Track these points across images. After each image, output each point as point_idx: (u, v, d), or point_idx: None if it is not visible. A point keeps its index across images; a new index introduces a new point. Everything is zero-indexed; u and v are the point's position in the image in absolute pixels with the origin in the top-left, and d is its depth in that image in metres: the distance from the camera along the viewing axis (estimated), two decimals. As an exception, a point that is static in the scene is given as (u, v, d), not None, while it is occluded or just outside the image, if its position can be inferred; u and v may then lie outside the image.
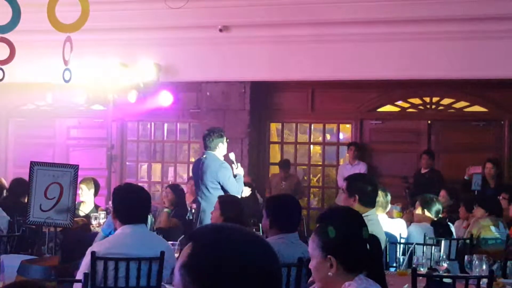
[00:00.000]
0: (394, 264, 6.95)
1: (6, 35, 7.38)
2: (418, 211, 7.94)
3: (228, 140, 8.88)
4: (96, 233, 7.88)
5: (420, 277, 5.16)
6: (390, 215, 8.00)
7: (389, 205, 7.69)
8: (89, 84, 11.93)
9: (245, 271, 1.78)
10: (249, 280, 1.78)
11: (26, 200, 9.21)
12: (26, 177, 7.47)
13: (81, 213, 9.20)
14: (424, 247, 6.99)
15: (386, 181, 11.06)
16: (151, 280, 5.15)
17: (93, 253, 5.02)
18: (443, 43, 11.39)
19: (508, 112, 12.21)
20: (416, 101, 12.78)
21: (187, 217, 9.59)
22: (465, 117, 12.52)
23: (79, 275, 4.95)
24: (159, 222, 9.27)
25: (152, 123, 14.13)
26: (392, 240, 7.17)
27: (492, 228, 7.94)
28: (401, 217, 8.69)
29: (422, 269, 5.50)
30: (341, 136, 13.60)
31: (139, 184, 11.33)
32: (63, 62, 7.52)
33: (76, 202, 8.10)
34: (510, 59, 11.10)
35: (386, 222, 7.16)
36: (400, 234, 7.53)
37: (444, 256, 5.95)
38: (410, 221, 8.41)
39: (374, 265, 3.36)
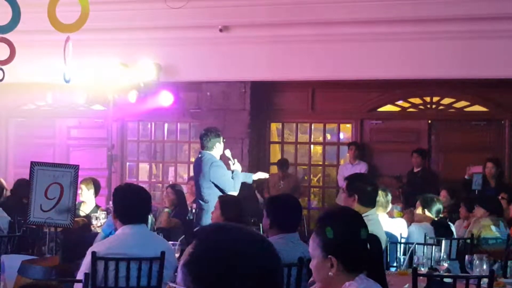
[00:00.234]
0: (395, 264, 6.96)
1: (6, 35, 7.38)
2: (419, 211, 7.95)
3: (225, 140, 8.89)
4: (96, 233, 7.89)
5: (421, 277, 5.16)
6: (390, 214, 8.00)
7: (390, 205, 7.70)
8: (90, 84, 11.93)
9: (246, 270, 1.79)
10: (250, 280, 1.79)
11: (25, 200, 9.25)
12: (27, 177, 7.47)
13: (82, 213, 9.21)
14: (425, 247, 6.98)
15: (385, 181, 11.08)
16: (151, 280, 5.15)
17: (93, 253, 5.01)
18: (444, 42, 11.38)
19: (508, 112, 12.21)
20: (417, 100, 12.77)
21: (187, 217, 9.60)
22: (466, 116, 12.52)
23: (80, 275, 4.95)
24: (160, 222, 9.27)
25: (153, 123, 14.12)
26: (393, 240, 7.17)
27: (493, 227, 7.95)
28: (402, 217, 8.69)
29: (422, 269, 5.50)
30: (341, 136, 13.59)
31: (140, 184, 11.35)
32: (64, 62, 7.52)
33: (77, 202, 8.10)
34: (510, 59, 11.09)
35: (387, 222, 7.16)
36: (400, 234, 7.53)
37: (444, 256, 5.94)
38: (410, 221, 8.42)
39: (374, 265, 3.36)
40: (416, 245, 6.71)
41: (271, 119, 13.42)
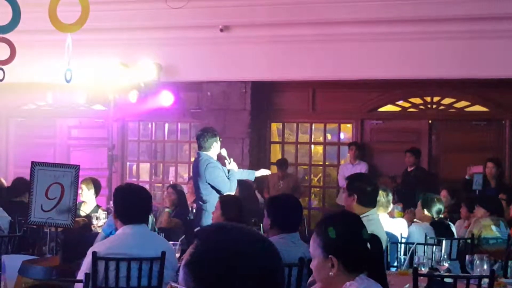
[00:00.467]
0: (395, 264, 6.96)
1: (6, 35, 7.38)
2: (420, 210, 7.96)
3: (221, 139, 8.88)
4: (97, 233, 7.89)
5: (421, 277, 5.16)
6: (391, 215, 8.00)
7: (391, 205, 7.69)
8: (90, 84, 11.94)
9: (247, 270, 1.79)
10: (251, 280, 1.79)
11: (26, 200, 9.26)
12: (27, 177, 7.47)
13: (82, 213, 9.20)
14: (425, 246, 6.98)
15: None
16: (152, 280, 5.15)
17: (94, 253, 5.01)
18: (444, 42, 11.38)
19: (509, 112, 12.20)
20: (417, 100, 12.77)
21: (188, 217, 9.60)
22: (466, 116, 12.51)
23: (80, 275, 4.95)
24: (160, 222, 9.27)
25: (153, 123, 14.13)
26: (393, 240, 7.17)
27: (493, 227, 7.94)
28: (402, 217, 8.69)
29: (423, 269, 5.49)
30: (342, 136, 13.59)
31: (140, 184, 11.35)
32: (66, 62, 7.52)
33: (77, 202, 8.10)
34: (511, 59, 11.09)
35: (387, 221, 7.16)
36: (401, 234, 7.53)
37: (445, 256, 5.94)
38: (411, 220, 8.42)
39: (375, 265, 3.36)
40: (417, 245, 6.71)
41: (271, 119, 13.42)
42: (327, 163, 13.61)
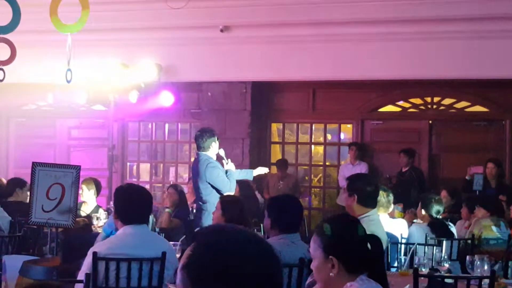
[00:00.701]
0: (396, 264, 6.96)
1: (7, 36, 7.38)
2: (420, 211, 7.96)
3: (219, 139, 8.89)
4: (97, 233, 7.89)
5: (422, 278, 5.16)
6: (391, 215, 7.99)
7: (392, 205, 7.69)
8: (90, 84, 11.93)
9: (245, 272, 1.78)
10: (249, 282, 1.78)
11: (20, 198, 9.30)
12: (27, 177, 7.47)
13: (83, 213, 9.21)
14: (426, 247, 6.98)
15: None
16: (152, 280, 5.15)
17: (94, 253, 5.02)
18: (444, 43, 11.38)
19: (509, 112, 12.21)
20: (417, 101, 12.77)
21: (188, 218, 9.61)
22: (466, 117, 12.52)
23: (81, 276, 4.95)
24: (161, 222, 9.27)
25: (153, 123, 14.13)
26: (393, 241, 7.17)
27: (494, 228, 7.94)
28: (403, 217, 8.69)
29: (423, 270, 5.49)
30: (342, 136, 13.59)
31: (140, 184, 11.34)
32: (66, 62, 7.53)
33: (78, 203, 8.09)
34: (511, 59, 11.08)
35: (387, 222, 7.16)
36: (401, 234, 7.53)
37: (445, 257, 5.95)
38: (411, 221, 8.42)
39: (375, 265, 3.36)
40: (417, 246, 6.71)
41: (271, 119, 13.42)
42: (327, 164, 13.61)
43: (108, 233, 6.89)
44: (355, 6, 11.49)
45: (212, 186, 8.49)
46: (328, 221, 3.40)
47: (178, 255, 5.56)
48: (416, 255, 6.18)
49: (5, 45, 7.46)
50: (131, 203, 5.20)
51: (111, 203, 8.82)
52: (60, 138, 14.44)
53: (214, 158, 8.69)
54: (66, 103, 13.28)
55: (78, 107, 13.61)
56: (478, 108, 12.44)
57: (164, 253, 5.15)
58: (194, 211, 9.49)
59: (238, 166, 9.12)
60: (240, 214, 6.32)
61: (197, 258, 1.81)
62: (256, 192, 11.99)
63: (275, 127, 13.67)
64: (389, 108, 12.93)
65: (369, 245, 3.34)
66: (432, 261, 5.88)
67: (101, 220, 8.87)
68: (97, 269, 5.02)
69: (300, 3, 11.71)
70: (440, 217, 8.02)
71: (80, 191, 8.91)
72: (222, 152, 8.82)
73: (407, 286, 5.24)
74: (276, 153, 13.58)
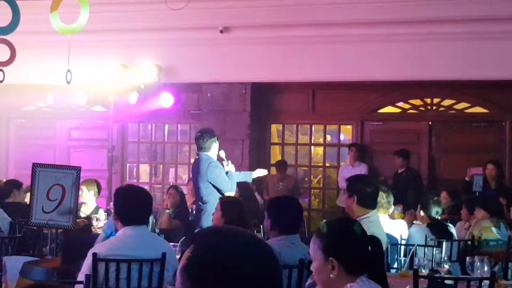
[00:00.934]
0: (395, 266, 6.95)
1: (6, 37, 7.38)
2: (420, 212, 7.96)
3: (219, 139, 8.91)
4: (97, 234, 7.88)
5: (422, 279, 5.16)
6: (391, 216, 7.99)
7: (392, 206, 7.69)
8: (90, 85, 11.93)
9: (244, 275, 1.78)
10: (248, 284, 1.78)
11: (18, 199, 9.31)
12: (27, 178, 7.47)
13: (82, 215, 9.20)
14: (426, 248, 6.98)
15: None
16: (152, 281, 5.15)
17: (94, 254, 5.02)
18: (444, 44, 11.38)
19: (509, 113, 12.21)
20: (417, 102, 12.78)
21: (189, 218, 9.61)
22: (466, 118, 12.52)
23: (81, 277, 4.95)
24: (160, 223, 9.27)
25: (153, 124, 14.13)
26: (393, 242, 7.17)
27: (494, 229, 7.94)
28: (403, 218, 8.69)
29: (423, 271, 5.49)
30: (342, 137, 13.59)
31: (140, 185, 11.33)
32: (66, 63, 7.53)
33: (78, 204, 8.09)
34: (511, 60, 11.08)
35: (387, 223, 7.16)
36: (401, 236, 7.53)
37: (445, 258, 5.95)
38: (411, 222, 8.42)
39: (375, 266, 3.36)
40: (417, 247, 6.71)
41: (271, 120, 13.42)
42: (327, 165, 13.61)
43: (108, 234, 6.88)
44: (355, 7, 11.49)
45: (213, 186, 8.50)
46: (328, 222, 3.41)
47: (178, 256, 5.56)
48: (416, 256, 6.18)
49: (5, 46, 7.45)
50: (131, 204, 5.20)
51: (111, 204, 8.83)
52: (60, 139, 14.44)
53: (215, 158, 8.71)
54: (66, 104, 13.27)
55: (78, 108, 13.60)
56: (478, 109, 12.45)
57: (164, 254, 5.15)
58: (194, 212, 9.49)
59: (238, 167, 9.14)
60: (240, 215, 6.31)
61: (196, 259, 1.81)
62: (256, 193, 11.99)
63: (274, 128, 13.67)
64: (389, 109, 12.93)
65: (369, 246, 3.34)
66: (432, 262, 5.88)
67: (101, 221, 8.87)
68: (97, 270, 5.02)
69: (300, 4, 11.71)
70: (440, 218, 8.02)
71: (80, 192, 8.91)
72: (222, 154, 8.84)
73: (407, 287, 5.24)
74: (275, 154, 13.58)
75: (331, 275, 3.24)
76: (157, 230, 8.18)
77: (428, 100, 12.70)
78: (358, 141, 12.88)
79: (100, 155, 13.55)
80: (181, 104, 13.14)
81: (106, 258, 5.03)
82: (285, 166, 12.95)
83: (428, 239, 7.39)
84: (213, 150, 8.69)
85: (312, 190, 13.82)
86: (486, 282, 5.15)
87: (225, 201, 6.64)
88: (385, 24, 11.50)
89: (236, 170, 8.96)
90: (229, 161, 8.89)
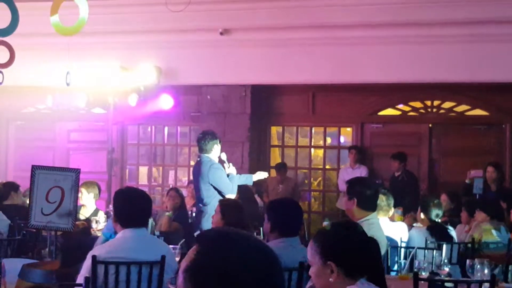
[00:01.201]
0: (395, 268, 6.94)
1: (5, 38, 7.37)
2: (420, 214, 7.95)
3: (221, 142, 8.92)
4: (96, 237, 7.88)
5: (422, 281, 5.15)
6: (391, 218, 7.98)
7: (392, 209, 7.68)
8: (90, 87, 11.93)
9: (247, 280, 1.78)
10: (251, 287, 1.78)
11: (17, 201, 9.30)
12: (26, 181, 7.46)
13: (82, 217, 9.19)
14: (426, 251, 6.97)
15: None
16: (152, 284, 5.13)
17: (93, 256, 5.00)
18: (444, 46, 11.37)
19: (509, 116, 12.20)
20: (417, 104, 12.77)
21: (190, 221, 9.60)
22: (466, 120, 12.51)
23: (80, 279, 4.94)
24: (160, 226, 9.25)
25: (153, 127, 14.12)
26: (393, 244, 7.16)
27: (494, 232, 7.93)
28: (403, 221, 8.68)
29: (423, 273, 5.48)
30: (342, 139, 13.58)
31: (139, 187, 11.33)
32: (66, 65, 7.52)
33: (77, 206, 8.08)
34: (511, 63, 11.08)
35: (387, 225, 7.15)
36: (401, 238, 7.52)
37: (445, 260, 5.94)
38: (411, 225, 8.41)
39: (374, 268, 3.35)
40: (417, 249, 6.70)
41: (271, 122, 13.41)
42: (327, 167, 13.61)
43: (108, 236, 6.88)
44: (354, 9, 11.48)
45: (214, 188, 8.51)
46: (325, 227, 3.42)
47: (177, 259, 5.55)
48: (416, 259, 6.17)
49: (4, 48, 7.45)
50: (130, 207, 5.19)
51: (110, 206, 8.81)
52: (59, 141, 14.43)
53: (217, 160, 8.73)
54: (66, 106, 13.26)
55: (78, 110, 13.60)
56: (478, 112, 12.44)
57: (163, 257, 5.14)
58: (194, 214, 9.49)
59: (238, 169, 9.14)
60: (240, 218, 6.31)
61: (200, 262, 1.80)
62: (256, 196, 11.98)
63: (274, 130, 13.66)
64: (389, 111, 12.92)
65: (366, 248, 3.33)
66: (432, 265, 5.87)
67: (100, 224, 8.86)
68: (96, 272, 5.01)
69: (300, 7, 11.70)
70: (440, 220, 8.01)
71: (80, 194, 8.90)
72: (224, 156, 8.86)
73: (407, 290, 5.23)
74: (275, 157, 13.57)
75: (330, 279, 3.23)
76: (156, 233, 8.18)
77: (429, 103, 12.69)
78: (358, 144, 12.87)
79: (99, 157, 13.54)
80: (181, 106, 13.13)
81: (105, 261, 5.02)
82: (285, 168, 12.94)
83: (428, 242, 7.37)
84: (215, 152, 8.72)
85: (312, 193, 13.82)
86: (486, 284, 5.14)
87: (224, 204, 6.64)
88: (385, 26, 11.49)
89: (236, 173, 8.97)
90: (231, 164, 8.91)
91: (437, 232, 7.64)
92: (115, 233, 5.46)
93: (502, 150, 12.26)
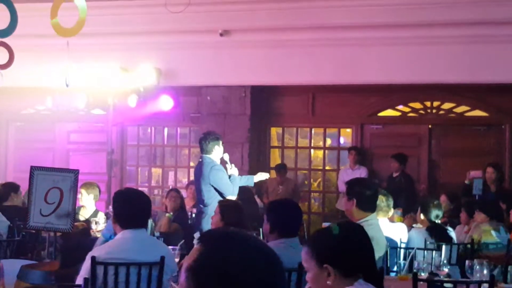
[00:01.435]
0: (395, 269, 6.94)
1: (5, 39, 7.37)
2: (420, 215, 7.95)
3: (223, 143, 8.93)
4: (96, 238, 7.87)
5: (421, 282, 5.15)
6: (390, 219, 7.98)
7: (392, 210, 7.68)
8: (89, 89, 11.92)
9: (249, 281, 1.79)
10: (253, 288, 1.78)
11: (16, 202, 9.30)
12: (26, 182, 7.46)
13: (81, 218, 9.19)
14: (425, 251, 6.97)
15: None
16: (151, 285, 5.13)
17: (93, 257, 5.00)
18: (444, 47, 11.37)
19: (508, 117, 12.20)
20: (417, 105, 12.77)
21: (190, 222, 9.60)
22: (466, 121, 12.51)
23: (79, 280, 4.93)
24: (160, 227, 9.25)
25: (152, 128, 14.11)
26: (392, 245, 7.16)
27: (493, 232, 7.93)
28: (402, 222, 8.68)
29: (423, 274, 5.48)
30: (341, 140, 13.58)
31: (139, 188, 11.32)
32: (66, 66, 7.52)
33: (76, 207, 8.08)
34: (511, 64, 11.08)
35: (387, 226, 7.15)
36: (400, 239, 7.52)
37: (445, 261, 5.93)
38: (410, 225, 8.41)
39: (370, 267, 3.34)
40: (417, 250, 6.70)
41: (271, 123, 13.41)
42: (327, 168, 13.61)
43: (107, 237, 6.87)
44: (354, 10, 11.48)
45: (215, 189, 8.51)
46: (318, 231, 3.43)
47: (177, 260, 5.55)
48: (415, 259, 6.17)
49: (3, 49, 7.45)
50: (129, 208, 5.19)
51: (110, 207, 8.80)
52: (59, 142, 14.42)
53: (218, 161, 8.74)
54: (65, 107, 13.26)
55: (77, 111, 13.58)
56: (477, 113, 12.44)
57: (162, 258, 5.14)
58: (194, 215, 9.49)
59: (238, 170, 9.14)
60: (239, 219, 6.31)
61: (202, 262, 1.81)
62: (256, 197, 11.98)
63: (274, 131, 13.66)
64: (389, 112, 12.92)
65: (360, 247, 3.34)
66: (432, 265, 5.87)
67: (100, 225, 8.85)
68: (96, 273, 5.00)
69: (300, 8, 11.70)
70: (439, 221, 8.01)
71: (79, 196, 8.90)
72: (226, 157, 8.88)
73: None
74: (275, 158, 13.57)
75: (328, 282, 3.22)
76: (156, 234, 8.18)
77: (428, 104, 12.69)
78: (358, 145, 12.87)
79: (99, 158, 13.53)
80: (181, 107, 13.13)
81: (104, 262, 5.02)
82: (285, 169, 12.94)
83: (428, 243, 7.37)
84: (216, 152, 8.73)
85: (312, 194, 13.81)
86: (486, 285, 5.14)
87: (224, 205, 6.64)
88: (385, 28, 11.49)
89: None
90: (233, 165, 8.93)
91: (437, 233, 7.64)
92: (115, 234, 5.46)
93: (501, 151, 12.26)
